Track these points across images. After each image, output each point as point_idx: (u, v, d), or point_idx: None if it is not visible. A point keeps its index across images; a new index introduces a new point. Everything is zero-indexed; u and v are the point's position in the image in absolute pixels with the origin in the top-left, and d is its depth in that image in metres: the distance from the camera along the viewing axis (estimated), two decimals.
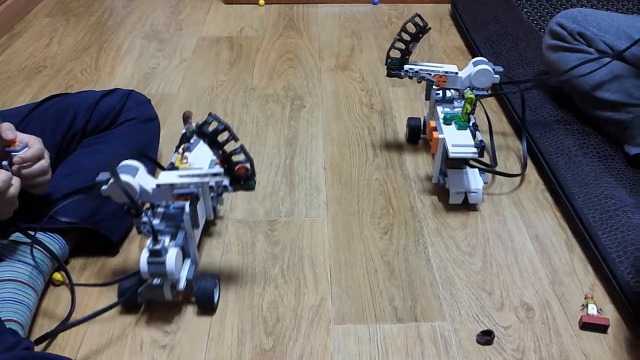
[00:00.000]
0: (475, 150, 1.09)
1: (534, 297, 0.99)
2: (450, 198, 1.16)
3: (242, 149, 0.85)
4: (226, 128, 0.82)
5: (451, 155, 1.09)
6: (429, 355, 0.89)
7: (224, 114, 1.47)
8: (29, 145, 0.89)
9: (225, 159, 0.85)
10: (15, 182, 0.85)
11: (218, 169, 0.88)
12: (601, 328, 0.93)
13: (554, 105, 1.38)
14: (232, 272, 1.03)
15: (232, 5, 2.12)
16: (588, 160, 1.19)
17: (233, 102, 1.52)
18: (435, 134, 1.13)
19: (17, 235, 0.96)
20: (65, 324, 0.90)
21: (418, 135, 1.36)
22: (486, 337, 0.91)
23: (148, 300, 0.95)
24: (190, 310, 0.96)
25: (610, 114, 1.25)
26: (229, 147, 0.84)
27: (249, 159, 0.86)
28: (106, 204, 1.03)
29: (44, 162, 0.91)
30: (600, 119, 1.28)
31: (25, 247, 0.94)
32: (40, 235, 0.97)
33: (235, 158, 0.85)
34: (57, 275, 0.98)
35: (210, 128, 0.83)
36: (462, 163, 1.17)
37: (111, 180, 0.84)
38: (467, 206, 1.18)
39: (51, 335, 0.89)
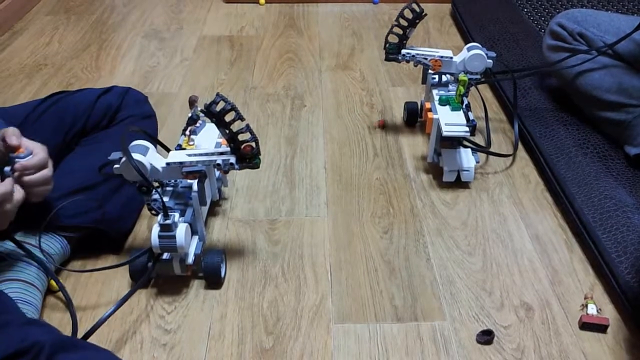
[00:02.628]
0: (467, 129, 1.14)
1: (533, 296, 0.99)
2: (443, 176, 1.21)
3: (247, 128, 0.89)
4: (233, 108, 0.86)
5: (444, 133, 1.14)
6: (428, 354, 0.89)
7: None
8: (34, 153, 0.86)
9: (231, 138, 0.89)
10: (18, 194, 0.82)
11: (225, 148, 0.93)
12: (601, 328, 0.93)
13: (554, 105, 1.38)
14: (232, 271, 1.03)
15: (232, 4, 2.12)
16: (588, 161, 1.19)
17: (233, 101, 1.52)
18: (430, 115, 1.19)
19: (21, 234, 0.96)
20: (99, 321, 0.88)
21: (415, 118, 1.42)
22: (486, 337, 0.91)
23: (158, 274, 1.00)
24: (190, 308, 0.96)
25: (610, 114, 1.25)
26: (235, 127, 0.88)
27: (254, 138, 0.89)
28: (107, 203, 1.03)
29: (47, 172, 0.88)
30: (600, 119, 1.28)
31: (29, 248, 0.94)
32: (42, 235, 0.96)
33: (241, 137, 0.89)
34: (54, 284, 0.97)
35: (218, 108, 0.86)
36: (455, 143, 1.22)
37: (123, 159, 0.88)
38: (467, 207, 1.18)
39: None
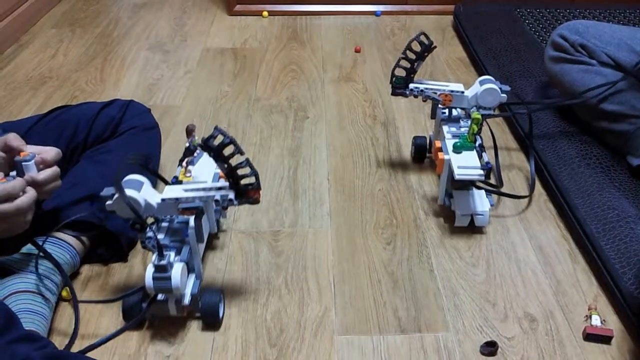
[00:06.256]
0: (481, 172, 1.06)
1: (537, 308, 0.99)
2: (456, 220, 1.13)
3: (247, 163, 0.84)
4: (231, 142, 0.82)
5: (457, 177, 1.06)
6: None
7: (228, 125, 1.48)
8: (43, 151, 0.88)
9: (230, 173, 0.85)
10: (30, 193, 0.84)
11: (223, 182, 0.88)
12: (605, 339, 0.93)
13: (556, 116, 1.38)
14: (235, 283, 1.03)
15: (236, 17, 2.14)
16: (591, 171, 1.19)
17: (237, 113, 1.53)
18: (440, 155, 1.11)
19: (27, 248, 0.96)
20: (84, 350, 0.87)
21: (424, 154, 1.34)
22: (490, 348, 0.91)
23: (153, 315, 0.96)
24: (194, 322, 0.96)
25: (613, 125, 1.26)
26: (234, 161, 0.84)
27: (254, 173, 0.85)
28: (113, 216, 1.04)
29: (57, 168, 0.90)
30: (602, 130, 1.28)
31: (35, 259, 0.95)
32: (51, 246, 0.97)
33: (240, 172, 0.85)
34: (65, 293, 0.98)
35: (216, 142, 0.82)
36: (468, 184, 1.15)
37: (116, 195, 0.84)
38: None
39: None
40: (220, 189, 0.87)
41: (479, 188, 1.16)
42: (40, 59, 1.80)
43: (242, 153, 0.83)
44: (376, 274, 1.05)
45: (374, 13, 2.16)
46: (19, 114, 1.50)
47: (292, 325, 0.95)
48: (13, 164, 0.87)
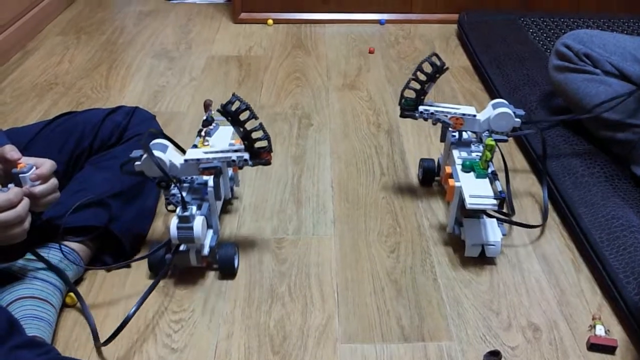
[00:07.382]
0: (494, 202, 1.01)
1: (541, 317, 0.99)
2: (466, 250, 1.08)
3: (261, 127, 0.95)
4: (247, 108, 0.93)
5: (468, 206, 1.01)
6: None
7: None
8: (39, 163, 0.88)
9: (245, 136, 0.96)
10: (25, 200, 0.85)
11: (239, 145, 0.99)
12: (609, 349, 0.93)
13: (560, 125, 1.38)
14: (239, 289, 1.03)
15: (241, 25, 2.15)
16: (595, 181, 1.19)
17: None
18: (451, 182, 1.05)
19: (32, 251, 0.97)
20: (124, 320, 0.91)
21: (432, 178, 1.29)
22: (493, 358, 0.90)
23: (175, 266, 1.05)
24: (197, 327, 0.96)
25: (617, 134, 1.25)
26: (249, 125, 0.95)
27: (267, 136, 0.96)
28: (119, 218, 1.04)
29: (54, 180, 0.91)
30: (606, 139, 1.28)
31: (39, 265, 0.95)
32: (55, 252, 0.98)
33: (254, 135, 0.96)
34: (68, 299, 0.98)
35: (233, 107, 0.93)
36: (479, 212, 1.10)
37: (144, 156, 0.94)
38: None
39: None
40: (236, 151, 0.98)
41: (491, 216, 1.11)
42: (46, 65, 1.82)
43: (256, 118, 0.95)
44: (379, 281, 1.05)
45: (378, 21, 2.17)
46: (24, 121, 1.51)
47: (295, 333, 0.95)
48: (10, 176, 0.87)
